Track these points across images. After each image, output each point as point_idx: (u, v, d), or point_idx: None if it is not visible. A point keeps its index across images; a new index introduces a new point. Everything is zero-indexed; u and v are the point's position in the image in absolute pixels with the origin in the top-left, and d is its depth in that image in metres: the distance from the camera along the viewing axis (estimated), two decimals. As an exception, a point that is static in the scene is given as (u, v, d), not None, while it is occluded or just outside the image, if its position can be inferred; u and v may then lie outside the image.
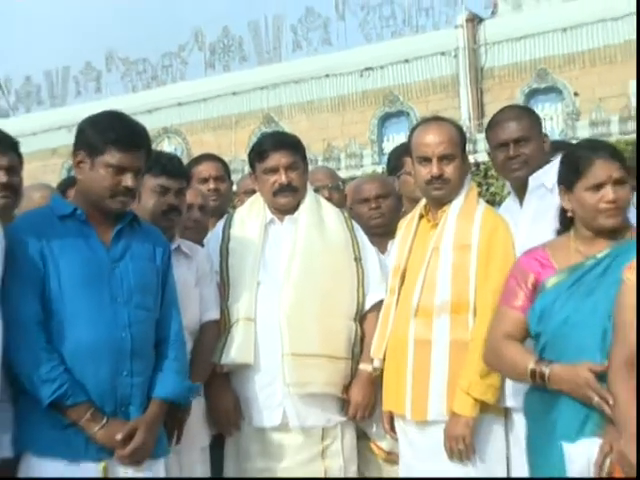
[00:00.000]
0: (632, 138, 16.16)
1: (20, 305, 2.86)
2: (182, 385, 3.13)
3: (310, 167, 4.04)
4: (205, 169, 4.44)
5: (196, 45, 25.61)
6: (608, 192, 2.92)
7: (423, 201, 3.64)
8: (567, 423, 2.86)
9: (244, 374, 3.61)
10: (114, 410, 2.95)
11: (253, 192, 4.03)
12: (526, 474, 3.12)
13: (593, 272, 2.93)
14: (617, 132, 16.57)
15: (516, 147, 3.54)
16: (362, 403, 3.62)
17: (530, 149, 3.54)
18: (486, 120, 18.08)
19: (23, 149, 3.48)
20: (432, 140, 3.49)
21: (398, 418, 3.48)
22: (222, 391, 3.61)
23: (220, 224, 3.86)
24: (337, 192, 4.50)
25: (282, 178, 3.68)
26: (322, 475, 3.58)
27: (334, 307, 3.64)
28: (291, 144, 3.79)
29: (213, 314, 3.61)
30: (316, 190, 4.04)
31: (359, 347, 3.65)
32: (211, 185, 4.36)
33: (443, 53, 20.49)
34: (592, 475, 2.69)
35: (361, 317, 3.70)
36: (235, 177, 4.79)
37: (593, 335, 2.85)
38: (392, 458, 3.67)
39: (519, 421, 3.22)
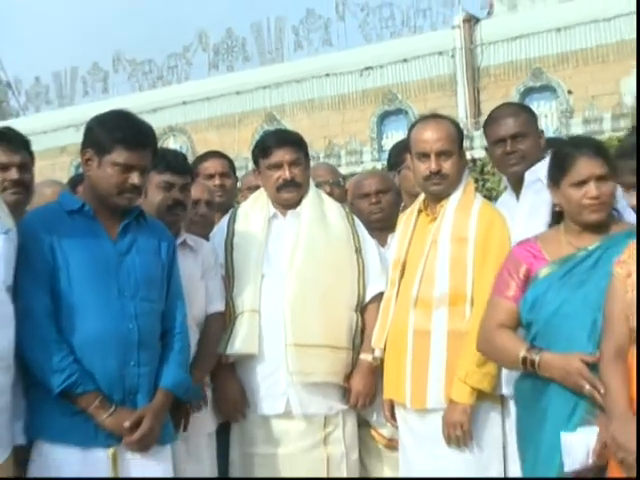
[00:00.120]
0: (625, 135, 16.12)
1: (31, 298, 2.88)
2: (184, 379, 3.15)
3: (312, 163, 4.04)
4: (211, 165, 4.44)
5: (200, 46, 25.54)
6: (591, 188, 2.94)
7: (422, 196, 3.64)
8: (557, 410, 2.88)
9: (249, 364, 3.62)
10: (122, 398, 2.96)
11: (256, 188, 4.03)
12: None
13: (584, 264, 2.94)
14: (609, 129, 16.53)
15: (513, 143, 3.55)
16: (363, 392, 3.63)
17: (527, 145, 3.54)
18: (482, 118, 18.05)
19: (33, 147, 3.48)
20: (430, 137, 3.49)
21: (398, 406, 3.49)
22: (228, 380, 3.62)
23: (225, 219, 3.87)
24: (338, 187, 4.51)
25: (286, 174, 3.69)
26: (324, 461, 3.60)
27: (336, 299, 3.65)
28: (294, 141, 3.80)
29: (218, 306, 3.62)
30: (318, 185, 4.04)
31: (360, 337, 3.66)
32: (217, 181, 4.37)
33: (441, 53, 20.41)
34: (590, 463, 2.69)
35: (362, 308, 3.71)
36: (238, 174, 4.79)
37: (583, 326, 2.86)
38: (392, 445, 3.68)
39: (515, 408, 3.21)
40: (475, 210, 3.48)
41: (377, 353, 3.58)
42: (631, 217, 3.07)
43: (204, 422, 3.51)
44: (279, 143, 3.74)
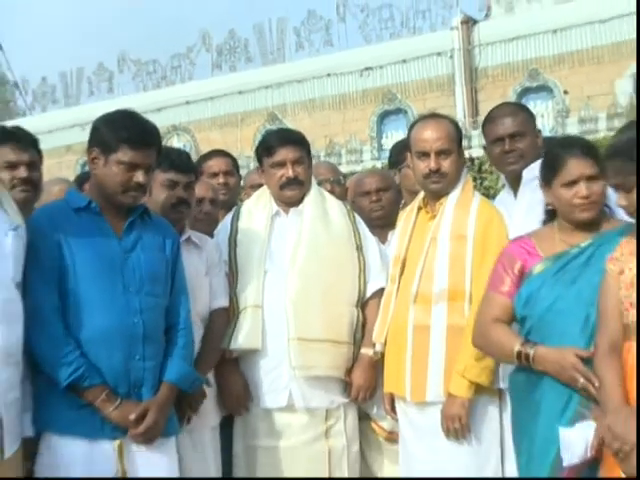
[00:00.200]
0: (619, 134, 16.10)
1: (40, 294, 2.88)
2: (188, 373, 3.15)
3: (313, 162, 4.04)
4: (215, 164, 4.44)
5: (203, 47, 25.54)
6: (581, 188, 2.95)
7: (421, 193, 3.64)
8: (551, 404, 2.88)
9: (252, 358, 3.63)
10: (127, 392, 2.97)
11: (259, 186, 4.03)
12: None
13: (577, 260, 2.94)
14: (604, 129, 16.55)
15: (512, 142, 3.55)
16: (364, 385, 3.63)
17: (525, 144, 3.55)
18: (480, 117, 18.08)
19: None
20: (430, 136, 3.49)
21: (399, 399, 3.50)
22: (231, 375, 3.62)
23: (229, 216, 3.86)
24: (338, 185, 4.51)
25: (289, 172, 3.69)
26: (326, 453, 3.60)
27: (337, 294, 3.65)
28: (297, 140, 3.80)
29: (222, 302, 3.62)
30: (319, 183, 4.04)
31: (361, 332, 3.66)
32: (221, 179, 4.36)
33: (439, 54, 20.43)
34: (588, 457, 2.69)
35: (362, 304, 3.71)
36: (241, 173, 4.79)
37: (576, 321, 2.87)
38: (392, 437, 3.69)
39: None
40: (474, 208, 3.48)
41: (378, 348, 3.58)
42: (623, 214, 3.08)
43: (208, 415, 3.51)
44: (282, 142, 3.73)
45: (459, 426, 3.26)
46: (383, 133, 21.07)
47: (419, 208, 3.63)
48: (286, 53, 24.07)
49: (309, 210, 3.73)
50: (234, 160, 4.60)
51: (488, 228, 3.41)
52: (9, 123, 3.72)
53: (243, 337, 3.57)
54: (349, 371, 3.65)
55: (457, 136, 3.58)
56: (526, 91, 19.04)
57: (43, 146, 3.56)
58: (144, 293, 3.04)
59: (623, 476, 2.57)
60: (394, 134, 19.86)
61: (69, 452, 2.88)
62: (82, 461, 2.88)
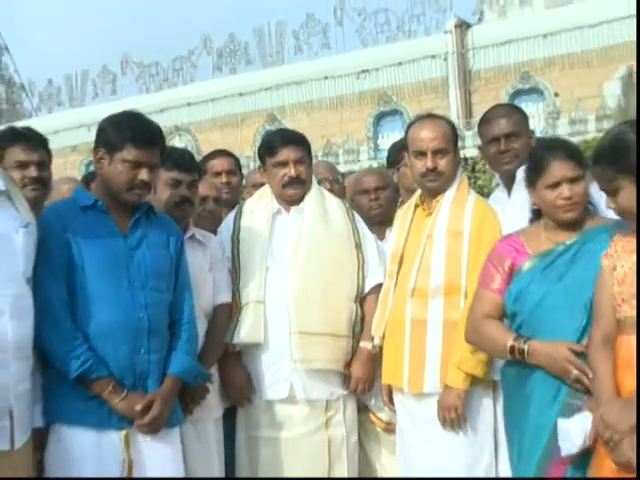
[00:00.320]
0: (608, 135, 16.10)
1: (49, 290, 2.89)
2: (192, 366, 3.16)
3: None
4: (218, 164, 4.43)
5: (205, 50, 25.51)
6: (564, 190, 2.96)
7: (418, 192, 3.64)
8: (541, 396, 2.90)
9: (254, 352, 3.63)
10: (133, 384, 2.97)
11: (260, 185, 4.02)
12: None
13: (563, 257, 2.96)
14: (594, 130, 16.55)
15: (507, 142, 3.57)
16: (362, 378, 3.64)
17: (519, 144, 3.56)
18: (474, 119, 18.11)
19: (45, 147, 3.49)
20: (427, 136, 3.49)
21: (397, 391, 3.50)
22: (234, 368, 3.62)
23: (231, 214, 3.86)
24: (337, 184, 4.52)
25: (291, 171, 3.69)
26: (326, 444, 3.60)
27: (337, 290, 3.65)
28: (299, 140, 3.80)
29: (225, 297, 3.62)
30: (318, 182, 4.03)
31: (359, 326, 3.67)
32: (223, 178, 4.35)
33: (434, 56, 20.42)
34: (584, 447, 2.70)
35: (361, 299, 3.71)
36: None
37: (565, 316, 2.88)
38: (390, 428, 3.69)
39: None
40: (469, 205, 3.49)
41: (376, 341, 3.59)
42: (607, 211, 3.07)
43: (212, 407, 3.51)
44: (285, 142, 3.73)
45: (455, 416, 3.27)
46: (379, 134, 21.06)
47: (416, 206, 3.63)
48: (285, 56, 24.05)
49: (310, 208, 3.73)
50: (237, 160, 4.60)
51: (483, 225, 3.42)
52: (16, 124, 3.72)
53: (246, 331, 3.58)
54: (348, 364, 3.65)
55: (453, 136, 3.58)
56: (518, 93, 19.03)
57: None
58: (149, 289, 3.05)
59: (613, 467, 2.58)
60: (390, 135, 19.85)
61: (78, 442, 2.89)
62: (91, 450, 2.89)
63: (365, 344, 3.64)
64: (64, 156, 23.67)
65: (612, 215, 2.85)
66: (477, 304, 3.10)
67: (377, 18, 22.44)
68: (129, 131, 3.02)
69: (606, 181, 2.60)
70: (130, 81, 26.26)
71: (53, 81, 27.20)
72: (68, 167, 22.56)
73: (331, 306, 3.61)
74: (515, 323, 3.01)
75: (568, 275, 2.91)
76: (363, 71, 21.32)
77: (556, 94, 18.70)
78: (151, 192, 3.19)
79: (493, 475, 3.32)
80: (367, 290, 3.72)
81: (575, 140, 15.31)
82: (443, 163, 3.48)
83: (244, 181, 4.83)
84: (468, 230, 3.41)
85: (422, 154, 3.48)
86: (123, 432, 2.93)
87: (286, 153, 3.70)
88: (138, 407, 2.93)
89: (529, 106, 18.39)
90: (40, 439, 2.87)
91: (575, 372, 2.79)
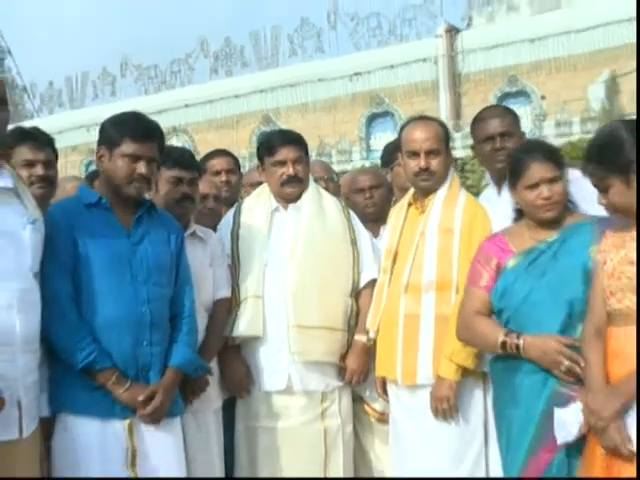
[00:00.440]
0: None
1: (56, 284, 2.89)
2: (192, 358, 3.17)
3: (308, 161, 4.04)
4: (218, 163, 4.43)
5: (202, 53, 25.47)
6: (543, 190, 2.99)
7: (411, 190, 3.65)
8: (528, 387, 2.92)
9: (253, 345, 3.64)
10: (136, 375, 2.99)
11: (258, 184, 4.02)
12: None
13: (545, 255, 2.98)
14: (579, 132, 16.60)
15: (501, 141, 3.58)
16: (357, 370, 3.65)
17: (512, 143, 3.57)
18: (463, 121, 18.12)
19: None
20: (420, 136, 3.50)
21: (391, 383, 3.51)
22: (234, 360, 3.63)
23: (231, 212, 3.86)
24: (332, 183, 4.53)
25: (289, 170, 3.69)
26: (322, 433, 3.61)
27: (333, 285, 3.65)
28: (297, 140, 3.81)
29: (225, 292, 3.62)
30: (314, 181, 4.03)
31: (354, 320, 3.67)
32: (223, 177, 4.35)
33: (424, 60, 20.42)
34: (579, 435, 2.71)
35: (356, 294, 3.72)
36: (240, 172, 4.78)
37: (549, 311, 2.90)
38: (384, 418, 3.69)
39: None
40: (460, 204, 3.49)
41: (371, 335, 3.60)
42: (589, 208, 3.10)
43: (212, 398, 3.52)
44: (283, 142, 3.74)
45: (447, 407, 3.28)
46: (371, 135, 21.05)
47: (409, 204, 3.63)
48: (280, 59, 24.03)
49: (307, 206, 3.73)
50: (235, 159, 4.60)
51: (473, 222, 3.43)
52: (20, 125, 3.72)
53: (245, 325, 3.58)
54: (343, 356, 3.66)
55: (445, 137, 3.59)
56: (506, 96, 19.03)
57: (50, 147, 3.55)
58: (151, 283, 3.06)
59: (603, 452, 2.59)
60: (382, 136, 19.85)
61: (84, 431, 2.90)
62: (96, 439, 2.91)
63: (360, 337, 3.65)
64: (64, 156, 23.52)
65: (600, 212, 2.87)
66: (467, 302, 3.12)
67: (369, 22, 22.45)
68: (127, 127, 3.05)
69: (598, 178, 2.62)
70: (129, 83, 26.21)
71: (54, 83, 27.12)
72: (68, 167, 22.49)
73: (327, 300, 3.62)
74: (502, 319, 3.02)
75: (550, 271, 2.94)
76: (356, 74, 21.31)
77: (542, 97, 18.73)
78: (151, 186, 3.20)
79: (483, 463, 3.33)
80: (362, 285, 3.72)
81: (561, 141, 15.37)
82: (435, 163, 3.49)
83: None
84: (459, 227, 3.42)
85: (415, 154, 3.49)
86: (127, 421, 2.94)
87: (284, 152, 3.70)
88: (141, 397, 2.94)
89: (516, 108, 18.39)
90: (47, 428, 2.89)
91: (566, 363, 2.81)
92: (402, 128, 3.68)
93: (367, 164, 15.18)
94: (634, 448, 2.48)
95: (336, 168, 13.82)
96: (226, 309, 3.61)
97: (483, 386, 3.34)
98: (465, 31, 20.56)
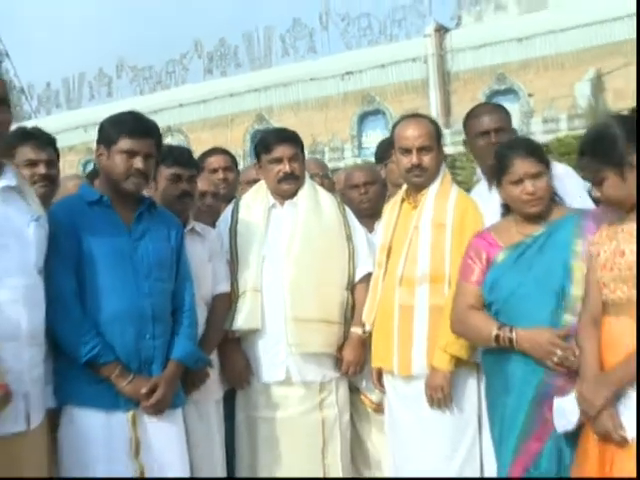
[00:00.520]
0: (579, 133, 16.27)
1: (59, 280, 2.90)
2: (193, 351, 3.18)
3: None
4: (215, 161, 4.44)
5: (196, 53, 25.43)
6: (527, 185, 3.01)
7: (405, 186, 3.66)
8: (518, 377, 2.95)
9: (252, 337, 3.65)
10: (139, 368, 3.00)
11: (254, 182, 4.03)
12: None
13: (532, 248, 3.01)
14: (566, 128, 16.65)
15: (496, 136, 3.59)
16: (354, 361, 3.66)
17: (505, 139, 3.58)
18: (453, 118, 18.13)
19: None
20: (412, 134, 3.51)
21: (387, 373, 3.52)
22: (234, 353, 3.64)
23: (229, 208, 3.86)
24: (327, 180, 4.55)
25: (286, 167, 3.70)
26: (320, 423, 3.63)
27: (329, 279, 3.67)
28: (293, 138, 3.81)
29: (224, 287, 3.63)
30: (310, 178, 4.05)
31: (350, 313, 3.69)
32: (220, 175, 4.36)
33: (414, 59, 20.43)
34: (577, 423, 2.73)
35: (352, 287, 3.73)
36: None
37: (537, 303, 2.93)
38: (380, 408, 3.71)
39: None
40: (452, 199, 3.50)
41: (367, 327, 3.61)
42: (572, 203, 3.17)
43: (213, 389, 3.54)
44: (279, 140, 3.75)
45: (442, 396, 3.30)
46: (363, 132, 21.06)
47: (402, 200, 3.64)
48: (273, 59, 24.01)
49: (303, 202, 3.74)
50: (232, 157, 4.61)
51: (465, 217, 3.44)
52: (20, 126, 3.72)
53: (244, 318, 3.59)
54: (340, 348, 3.67)
55: (437, 134, 3.60)
56: (494, 94, 19.06)
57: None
58: (152, 279, 3.07)
59: (596, 438, 2.62)
60: (373, 133, 19.89)
61: (89, 422, 2.92)
62: (100, 430, 2.92)
63: (356, 329, 3.67)
64: (62, 156, 23.29)
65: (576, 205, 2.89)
66: (460, 297, 3.13)
67: (360, 23, 22.45)
68: (124, 124, 3.07)
69: (592, 172, 2.64)
70: (125, 84, 26.16)
71: (51, 84, 27.05)
72: (66, 167, 22.37)
73: (324, 294, 3.63)
74: (492, 312, 3.05)
75: (537, 265, 2.96)
76: (347, 73, 21.31)
77: (530, 94, 18.78)
78: (149, 182, 3.21)
79: (477, 450, 3.35)
80: (357, 279, 3.74)
81: (548, 138, 15.41)
82: (427, 159, 3.50)
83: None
84: (451, 222, 3.44)
85: (408, 151, 3.50)
86: (130, 413, 2.96)
87: (281, 150, 3.71)
88: (144, 390, 2.96)
89: (505, 106, 18.50)
90: (53, 420, 2.90)
91: (559, 353, 2.83)
92: (395, 126, 3.69)
93: (359, 161, 15.19)
94: (625, 434, 2.50)
95: (328, 166, 13.86)
96: (225, 303, 3.61)
97: (477, 376, 3.36)
98: (454, 30, 20.59)
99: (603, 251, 2.69)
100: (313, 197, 3.78)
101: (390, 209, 3.71)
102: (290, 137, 3.81)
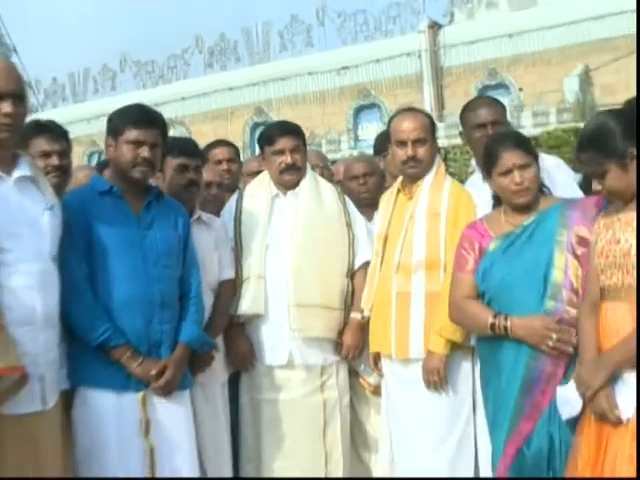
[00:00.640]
0: (567, 126, 16.35)
1: (72, 268, 2.92)
2: (200, 335, 3.20)
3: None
4: (219, 152, 4.43)
5: (197, 48, 25.39)
6: (515, 176, 3.03)
7: (400, 178, 3.67)
8: (508, 360, 2.98)
9: (256, 322, 3.66)
10: (148, 351, 3.02)
11: (256, 174, 4.05)
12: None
13: (521, 238, 3.02)
14: (555, 121, 16.68)
15: (492, 128, 3.60)
16: (353, 345, 3.67)
17: (501, 131, 3.60)
18: (446, 112, 18.11)
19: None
20: (407, 127, 3.52)
21: (385, 357, 3.54)
22: (238, 337, 3.65)
23: (233, 198, 3.87)
24: (327, 170, 4.55)
25: (288, 159, 3.70)
26: (321, 405, 3.64)
27: (330, 266, 3.68)
28: (294, 130, 3.82)
29: (229, 274, 3.64)
30: (311, 169, 4.07)
31: (350, 299, 3.70)
32: (224, 166, 4.35)
33: (408, 54, 20.44)
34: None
35: (352, 274, 3.74)
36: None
37: (527, 291, 2.95)
38: (377, 391, 3.72)
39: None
40: (446, 189, 3.51)
41: (366, 313, 3.62)
42: (562, 192, 3.19)
43: (218, 372, 3.55)
44: (282, 132, 3.75)
45: (437, 378, 3.31)
46: (359, 125, 21.08)
47: (398, 190, 3.65)
48: (271, 54, 24.00)
49: (305, 192, 3.75)
50: (236, 148, 4.61)
51: (459, 206, 3.46)
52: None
53: (248, 304, 3.60)
54: (340, 333, 3.69)
55: (431, 127, 3.60)
56: (486, 88, 19.09)
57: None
58: (160, 266, 3.08)
59: (593, 418, 2.64)
60: (368, 126, 19.92)
61: (101, 403, 2.94)
62: (112, 410, 2.95)
63: (355, 315, 3.68)
64: (68, 147, 23.47)
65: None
66: (456, 287, 3.14)
67: (356, 19, 22.44)
68: (129, 116, 3.09)
69: (595, 165, 2.65)
70: (128, 78, 26.14)
71: (58, 79, 26.99)
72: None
73: (325, 281, 3.64)
74: (485, 300, 3.06)
75: (526, 254, 2.98)
76: (343, 68, 21.31)
77: (520, 89, 18.80)
78: (155, 171, 3.21)
79: (471, 429, 3.38)
80: (357, 266, 3.75)
81: (538, 131, 15.41)
82: (422, 151, 3.51)
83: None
84: (445, 211, 3.45)
85: (403, 143, 3.51)
86: (140, 394, 2.98)
87: (283, 142, 3.71)
88: (153, 372, 2.98)
89: (497, 100, 18.46)
90: (67, 400, 2.92)
91: (554, 336, 2.86)
92: (391, 119, 3.70)
93: (355, 153, 15.23)
94: (621, 414, 2.54)
95: (326, 157, 13.84)
96: (230, 289, 3.62)
97: (471, 359, 3.38)
98: (447, 27, 20.60)
99: (600, 240, 2.72)
100: (314, 187, 3.79)
101: (386, 200, 3.72)
102: (292, 130, 3.82)
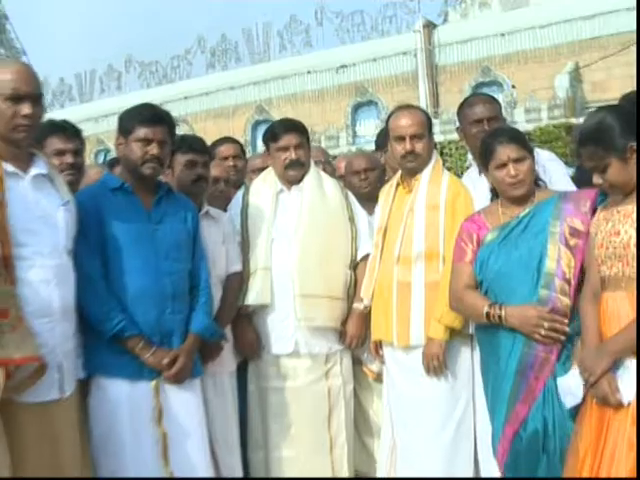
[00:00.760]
0: (559, 122, 16.37)
1: (86, 262, 2.93)
2: (210, 325, 3.22)
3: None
4: (226, 149, 4.44)
5: (199, 49, 25.33)
6: (509, 169, 3.04)
7: (399, 172, 3.69)
8: (504, 347, 3.00)
9: (263, 312, 3.67)
10: (160, 340, 3.03)
11: (260, 170, 4.05)
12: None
13: (516, 229, 3.04)
14: (546, 118, 16.68)
15: (489, 124, 3.62)
16: (356, 334, 3.69)
17: (497, 126, 3.62)
18: (441, 108, 18.07)
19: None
20: (405, 123, 3.53)
21: (386, 344, 3.55)
22: (246, 327, 3.66)
23: (239, 193, 3.88)
24: (328, 165, 4.56)
25: (292, 155, 3.71)
26: (326, 392, 3.66)
27: (333, 258, 3.69)
28: (298, 127, 3.82)
29: (237, 266, 3.65)
30: (314, 164, 4.07)
31: (353, 289, 3.71)
32: (230, 162, 4.36)
33: (404, 53, 20.40)
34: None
35: (354, 266, 3.75)
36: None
37: (523, 281, 2.96)
38: (380, 378, 3.74)
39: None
40: (444, 182, 3.52)
41: (366, 302, 3.63)
42: (558, 185, 3.21)
43: (227, 362, 3.57)
44: (286, 129, 3.76)
45: (437, 364, 3.33)
46: (357, 122, 21.04)
47: (397, 184, 3.66)
48: (271, 53, 23.94)
49: (309, 187, 3.75)
50: (241, 146, 4.62)
51: (456, 199, 3.46)
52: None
53: (255, 295, 3.62)
54: (344, 322, 3.70)
55: (428, 123, 3.62)
56: (480, 85, 19.06)
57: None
58: (171, 259, 3.10)
59: (594, 402, 2.66)
60: (366, 123, 19.91)
61: (115, 391, 2.96)
62: (126, 398, 2.96)
63: (357, 305, 3.68)
64: (75, 146, 23.42)
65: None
66: (455, 278, 3.15)
67: (354, 19, 22.41)
68: (138, 115, 3.10)
69: (596, 160, 2.66)
70: (133, 78, 26.09)
71: (65, 79, 26.94)
72: (79, 156, 22.33)
73: (329, 272, 3.65)
74: (482, 289, 3.08)
75: (521, 245, 3.00)
76: (342, 66, 21.28)
77: (513, 86, 18.77)
78: (164, 167, 3.22)
79: (470, 413, 3.40)
80: (359, 258, 3.75)
81: (530, 126, 15.39)
82: (420, 146, 3.52)
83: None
84: (444, 203, 3.46)
85: (401, 139, 3.52)
86: (153, 382, 3.00)
87: (287, 139, 3.72)
88: (165, 361, 3.00)
89: (490, 97, 18.44)
90: (84, 389, 2.94)
91: (546, 325, 2.88)
92: (389, 116, 3.70)
93: (353, 149, 15.21)
94: (622, 398, 2.56)
95: (326, 153, 13.83)
96: (238, 282, 3.63)
97: (470, 345, 3.40)
98: (441, 26, 20.56)
99: (600, 232, 2.74)
100: (318, 183, 3.79)
101: (385, 193, 3.73)
102: (296, 127, 3.82)
